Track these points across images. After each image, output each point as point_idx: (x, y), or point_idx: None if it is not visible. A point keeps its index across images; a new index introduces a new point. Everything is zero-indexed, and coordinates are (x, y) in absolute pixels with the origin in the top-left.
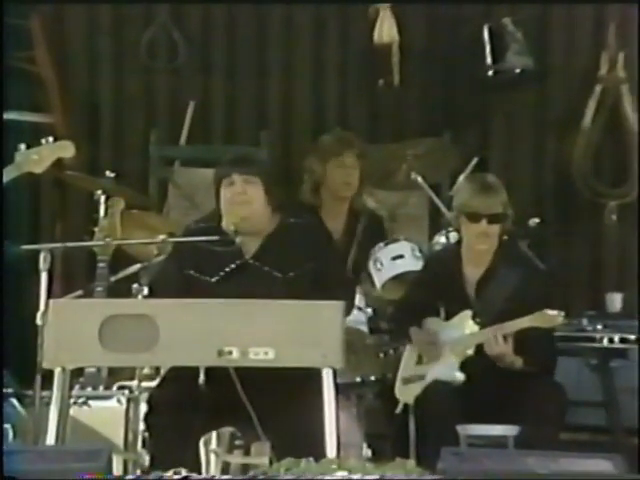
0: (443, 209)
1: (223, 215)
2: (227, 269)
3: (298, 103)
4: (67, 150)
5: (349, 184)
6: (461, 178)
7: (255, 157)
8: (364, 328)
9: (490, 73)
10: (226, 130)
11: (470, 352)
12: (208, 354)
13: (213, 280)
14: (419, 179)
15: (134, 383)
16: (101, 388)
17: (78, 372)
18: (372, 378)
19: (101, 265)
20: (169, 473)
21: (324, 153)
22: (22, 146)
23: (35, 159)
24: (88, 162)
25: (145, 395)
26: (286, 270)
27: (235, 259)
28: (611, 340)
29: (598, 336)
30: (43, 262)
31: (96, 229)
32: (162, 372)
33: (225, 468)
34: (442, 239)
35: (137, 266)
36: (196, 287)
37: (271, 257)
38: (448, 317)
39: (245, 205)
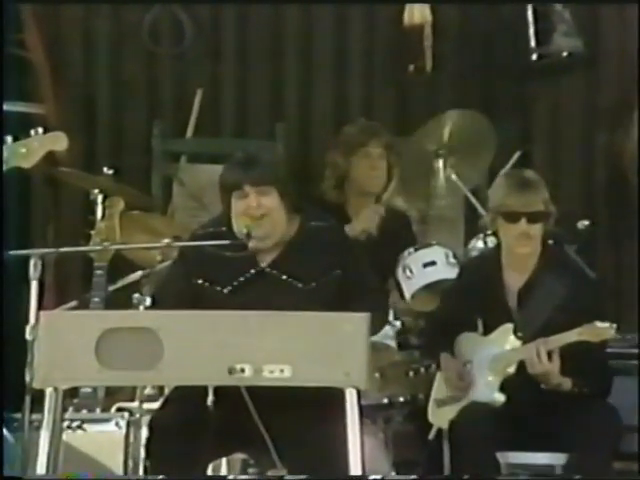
0: (481, 210)
1: (233, 218)
2: (241, 278)
3: (318, 92)
4: (59, 142)
5: (376, 177)
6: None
7: (267, 158)
8: (392, 343)
9: (534, 57)
10: (237, 122)
11: (511, 370)
12: (218, 372)
13: (225, 291)
14: (453, 176)
15: (135, 404)
16: (98, 410)
17: (72, 392)
18: (401, 399)
19: (98, 273)
20: None
21: (348, 144)
22: (8, 138)
23: (23, 153)
24: (84, 157)
25: (147, 418)
26: (308, 279)
27: (249, 267)
28: None
29: None
30: (33, 269)
31: (93, 232)
32: (166, 392)
33: None
34: (479, 244)
35: (138, 274)
36: (205, 298)
37: (290, 265)
38: (486, 331)
39: (261, 219)
